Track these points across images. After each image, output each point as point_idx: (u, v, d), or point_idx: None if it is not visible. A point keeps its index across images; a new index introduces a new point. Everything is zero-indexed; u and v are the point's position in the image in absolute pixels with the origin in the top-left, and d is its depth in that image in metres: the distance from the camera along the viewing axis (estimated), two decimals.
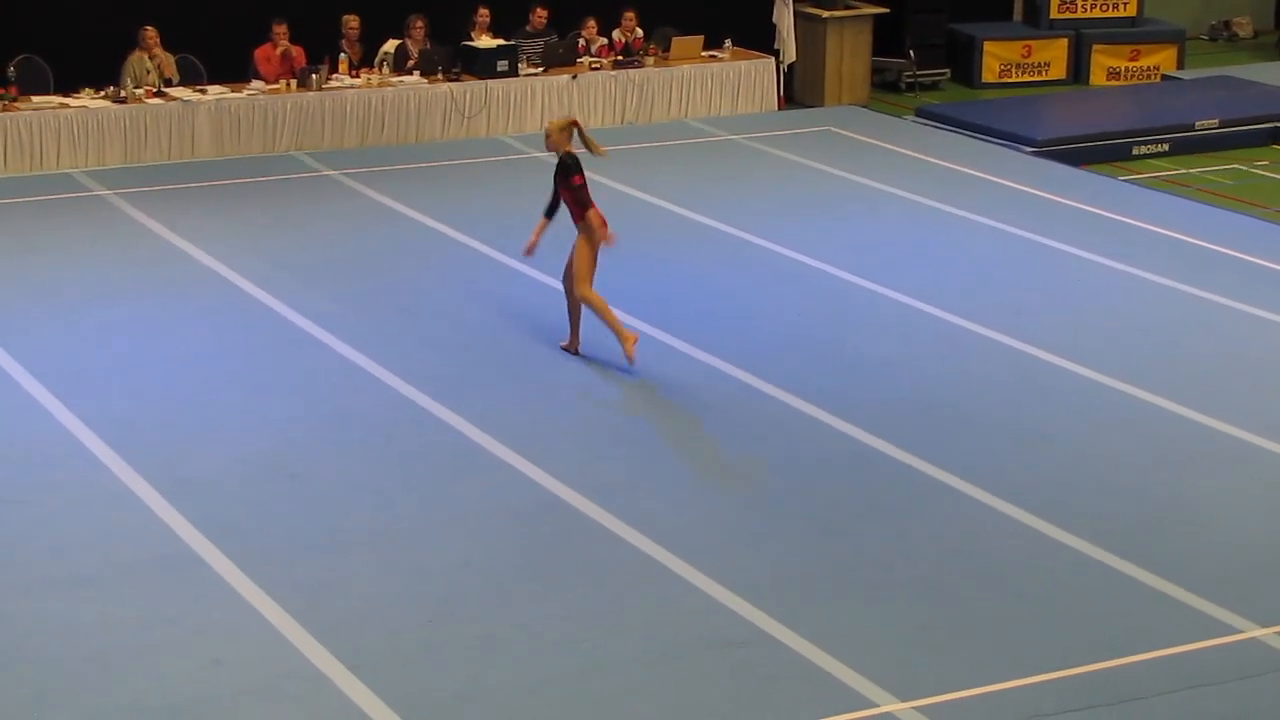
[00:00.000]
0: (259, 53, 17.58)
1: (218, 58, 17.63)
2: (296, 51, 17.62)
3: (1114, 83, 21.71)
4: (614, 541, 9.33)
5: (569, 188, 11.67)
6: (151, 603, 8.64)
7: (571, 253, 11.81)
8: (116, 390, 11.31)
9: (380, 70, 17.96)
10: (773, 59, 19.66)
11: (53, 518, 9.51)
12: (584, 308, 11.86)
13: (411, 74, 17.97)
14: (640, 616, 8.59)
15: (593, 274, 11.73)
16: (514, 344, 12.29)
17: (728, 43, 19.55)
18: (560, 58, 18.58)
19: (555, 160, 11.77)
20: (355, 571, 8.97)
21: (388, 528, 9.46)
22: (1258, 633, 8.47)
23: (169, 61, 17.20)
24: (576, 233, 11.76)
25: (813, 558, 9.22)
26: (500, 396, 11.33)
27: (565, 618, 8.56)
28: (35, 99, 16.68)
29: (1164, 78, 21.47)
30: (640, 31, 19.22)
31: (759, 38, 19.87)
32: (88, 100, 16.72)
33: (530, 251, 12.07)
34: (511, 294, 13.07)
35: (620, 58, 18.98)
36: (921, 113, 19.52)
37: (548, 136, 11.83)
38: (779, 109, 19.63)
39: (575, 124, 11.82)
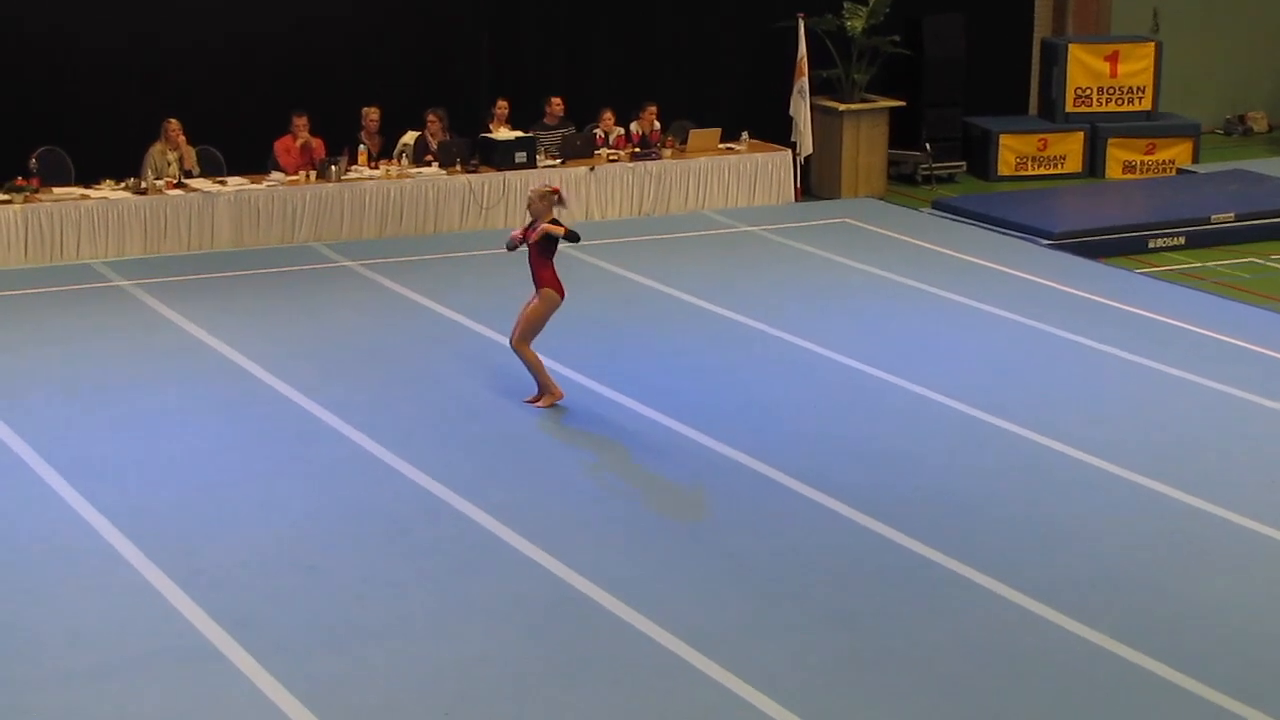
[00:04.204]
0: (279, 144, 17.72)
1: (237, 149, 17.77)
2: (316, 143, 17.76)
3: (1129, 176, 21.79)
4: (632, 635, 9.32)
5: (548, 254, 12.55)
6: (169, 696, 8.62)
7: (529, 311, 12.65)
8: (134, 481, 11.33)
9: (399, 162, 18.09)
10: (789, 151, 19.78)
11: (70, 609, 9.51)
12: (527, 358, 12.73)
13: (430, 165, 18.10)
14: (659, 711, 8.56)
15: (534, 336, 12.70)
16: (531, 436, 12.32)
17: (745, 135, 19.68)
18: (578, 149, 18.71)
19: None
20: (372, 665, 8.96)
21: (404, 621, 9.45)
22: None
23: (190, 153, 17.34)
24: (535, 294, 12.66)
25: (833, 652, 9.19)
26: (517, 488, 11.35)
27: (584, 712, 8.53)
28: (56, 190, 16.81)
29: (1179, 171, 21.55)
30: (658, 124, 19.36)
31: (776, 130, 20.01)
32: (108, 191, 16.84)
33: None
34: (529, 386, 13.10)
35: (638, 150, 19.11)
36: (938, 205, 19.60)
37: (531, 203, 12.62)
38: (795, 201, 19.73)
39: (557, 192, 12.64)
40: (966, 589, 9.94)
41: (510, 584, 9.92)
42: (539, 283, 12.66)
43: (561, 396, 12.80)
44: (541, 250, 12.61)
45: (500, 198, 18.12)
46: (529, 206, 12.72)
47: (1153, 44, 22.22)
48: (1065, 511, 11.09)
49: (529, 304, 12.74)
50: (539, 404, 12.78)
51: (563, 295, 12.68)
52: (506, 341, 13.02)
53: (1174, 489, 11.42)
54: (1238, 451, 12.20)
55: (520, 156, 18.22)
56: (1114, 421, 12.74)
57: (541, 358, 12.86)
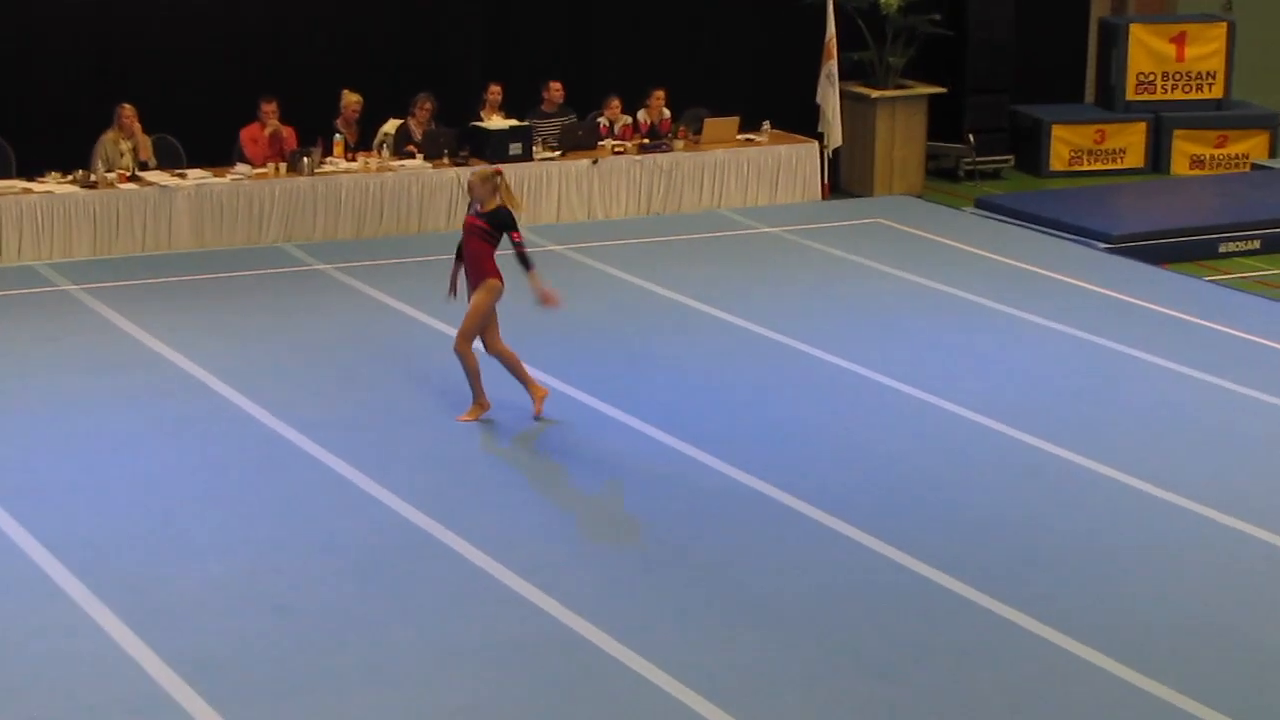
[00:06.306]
0: (245, 133, 17.75)
1: (198, 138, 17.79)
2: (287, 132, 17.79)
3: (1197, 172, 21.81)
4: (634, 681, 9.31)
5: (495, 243, 12.74)
6: None
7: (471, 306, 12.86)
8: (81, 509, 11.34)
9: (379, 153, 18.12)
10: (816, 143, 19.81)
11: (6, 652, 9.51)
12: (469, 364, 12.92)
13: (413, 157, 18.13)
14: None
15: (478, 334, 12.84)
16: (525, 460, 12.33)
17: (766, 125, 19.71)
18: (579, 140, 18.74)
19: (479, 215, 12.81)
20: (348, 715, 8.96)
21: (383, 666, 9.45)
22: None
23: (145, 143, 17.36)
24: (473, 289, 12.81)
25: (858, 703, 9.19)
26: (507, 518, 11.35)
27: None
28: None
29: (1254, 167, 21.57)
30: (668, 112, 19.38)
31: (801, 120, 20.03)
32: (54, 185, 16.88)
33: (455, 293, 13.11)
34: (523, 402, 13.11)
35: (646, 141, 19.13)
36: (982, 204, 19.62)
37: (471, 189, 12.87)
38: (823, 199, 19.76)
39: (499, 174, 12.85)
40: (1012, 634, 9.93)
41: (501, 625, 9.93)
42: (481, 274, 12.77)
43: (488, 408, 12.96)
44: (485, 236, 12.74)
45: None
46: (470, 191, 12.93)
47: (1224, 24, 22.25)
48: (1126, 547, 11.08)
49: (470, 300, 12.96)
50: (466, 417, 12.95)
51: (503, 284, 12.83)
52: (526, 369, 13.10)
53: (1249, 524, 11.41)
54: None
55: (515, 148, 18.23)
56: (1181, 447, 12.74)
57: (527, 367, 12.99)
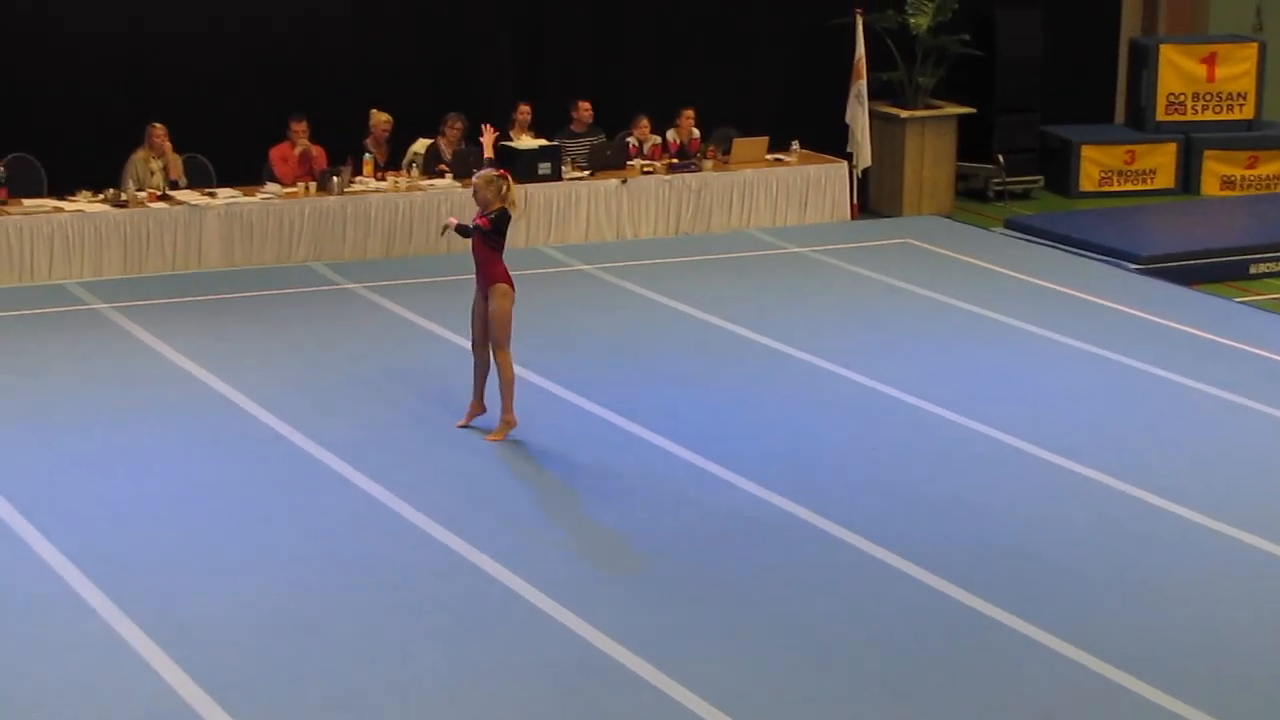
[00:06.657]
0: (275, 152, 17.79)
1: (228, 158, 17.83)
2: (317, 151, 17.82)
3: (1228, 193, 21.74)
4: (664, 702, 9.29)
5: (496, 246, 12.84)
6: None
7: (488, 315, 12.87)
8: (109, 526, 11.35)
9: (409, 173, 18.13)
10: (845, 163, 19.79)
11: (33, 669, 9.52)
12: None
13: (444, 177, 18.14)
14: None
15: (509, 340, 12.94)
16: (550, 480, 12.32)
17: (795, 145, 19.69)
18: (608, 160, 18.74)
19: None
20: None
21: (410, 685, 9.45)
22: None
23: (176, 162, 17.40)
24: (483, 294, 12.91)
25: None
26: (534, 536, 11.34)
27: None
28: (26, 202, 16.88)
29: None
30: (697, 132, 19.38)
31: (830, 140, 20.01)
32: (85, 204, 16.91)
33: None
34: (551, 422, 13.11)
35: (675, 160, 19.13)
36: (1011, 224, 19.59)
37: (476, 191, 12.92)
38: (852, 219, 19.74)
39: (504, 176, 12.89)
40: (1043, 655, 9.89)
41: (527, 643, 9.91)
42: (489, 279, 12.85)
43: (515, 425, 12.95)
44: (491, 242, 12.81)
45: (522, 213, 18.13)
46: (475, 194, 12.95)
47: (1255, 45, 22.19)
48: (1153, 569, 11.04)
49: (483, 308, 12.92)
50: (495, 437, 12.95)
51: (514, 287, 12.92)
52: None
53: (1279, 546, 11.37)
54: None
55: (544, 167, 18.25)
56: (1210, 468, 12.69)
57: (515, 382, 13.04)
